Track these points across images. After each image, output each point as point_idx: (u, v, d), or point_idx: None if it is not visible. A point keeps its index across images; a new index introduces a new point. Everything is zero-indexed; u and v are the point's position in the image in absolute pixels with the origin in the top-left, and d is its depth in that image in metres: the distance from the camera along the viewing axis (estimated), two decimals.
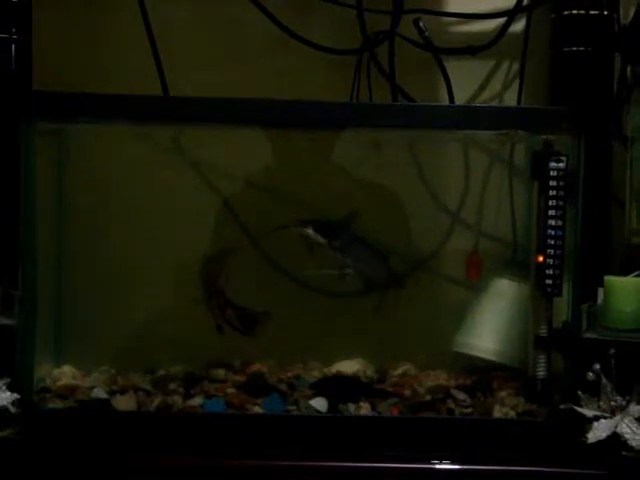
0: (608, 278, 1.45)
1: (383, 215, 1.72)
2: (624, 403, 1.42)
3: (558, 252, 1.50)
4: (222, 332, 1.64)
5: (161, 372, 1.63)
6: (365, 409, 1.52)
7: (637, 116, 1.58)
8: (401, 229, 1.73)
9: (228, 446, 1.43)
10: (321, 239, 1.62)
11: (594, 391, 1.44)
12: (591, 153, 1.50)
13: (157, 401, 1.52)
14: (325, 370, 1.67)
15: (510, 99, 1.75)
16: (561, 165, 1.50)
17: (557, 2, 1.62)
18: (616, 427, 1.40)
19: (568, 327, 1.51)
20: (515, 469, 1.40)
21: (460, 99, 1.70)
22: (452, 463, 1.40)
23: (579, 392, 1.44)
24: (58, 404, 1.52)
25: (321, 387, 1.57)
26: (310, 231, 1.62)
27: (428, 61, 1.68)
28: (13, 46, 1.52)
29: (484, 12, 1.74)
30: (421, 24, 1.66)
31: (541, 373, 1.54)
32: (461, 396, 1.55)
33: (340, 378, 1.63)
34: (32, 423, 1.46)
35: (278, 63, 1.74)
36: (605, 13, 1.57)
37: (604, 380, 1.43)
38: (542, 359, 1.53)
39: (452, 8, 1.75)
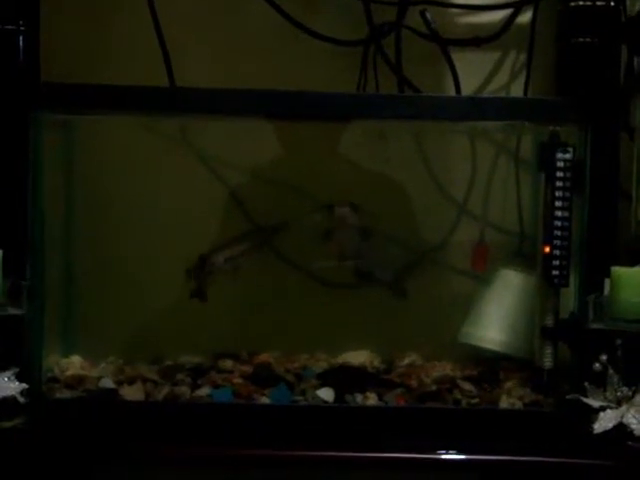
0: (615, 269, 1.45)
1: (389, 206, 1.72)
2: (630, 394, 1.42)
3: (565, 243, 1.50)
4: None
5: (169, 362, 1.64)
6: (372, 399, 1.52)
7: None
8: (407, 220, 1.73)
9: (235, 436, 1.43)
10: (356, 220, 1.62)
11: (600, 382, 1.44)
12: (598, 144, 1.50)
13: (165, 391, 1.52)
14: (332, 360, 1.67)
15: (517, 90, 1.74)
16: (568, 156, 1.51)
17: None
18: (622, 417, 1.40)
19: (575, 318, 1.52)
20: (521, 459, 1.40)
21: (467, 90, 1.70)
22: (458, 453, 1.40)
23: (585, 383, 1.44)
24: (66, 394, 1.53)
25: (328, 377, 1.57)
26: (347, 210, 1.62)
27: (435, 52, 1.68)
28: (21, 37, 1.51)
29: (491, 3, 1.73)
30: (428, 15, 1.66)
31: (548, 364, 1.54)
32: (467, 387, 1.56)
33: (347, 368, 1.63)
34: (40, 413, 1.46)
35: (284, 54, 1.74)
36: (612, 4, 1.56)
37: (610, 371, 1.43)
38: (549, 350, 1.54)
39: None
